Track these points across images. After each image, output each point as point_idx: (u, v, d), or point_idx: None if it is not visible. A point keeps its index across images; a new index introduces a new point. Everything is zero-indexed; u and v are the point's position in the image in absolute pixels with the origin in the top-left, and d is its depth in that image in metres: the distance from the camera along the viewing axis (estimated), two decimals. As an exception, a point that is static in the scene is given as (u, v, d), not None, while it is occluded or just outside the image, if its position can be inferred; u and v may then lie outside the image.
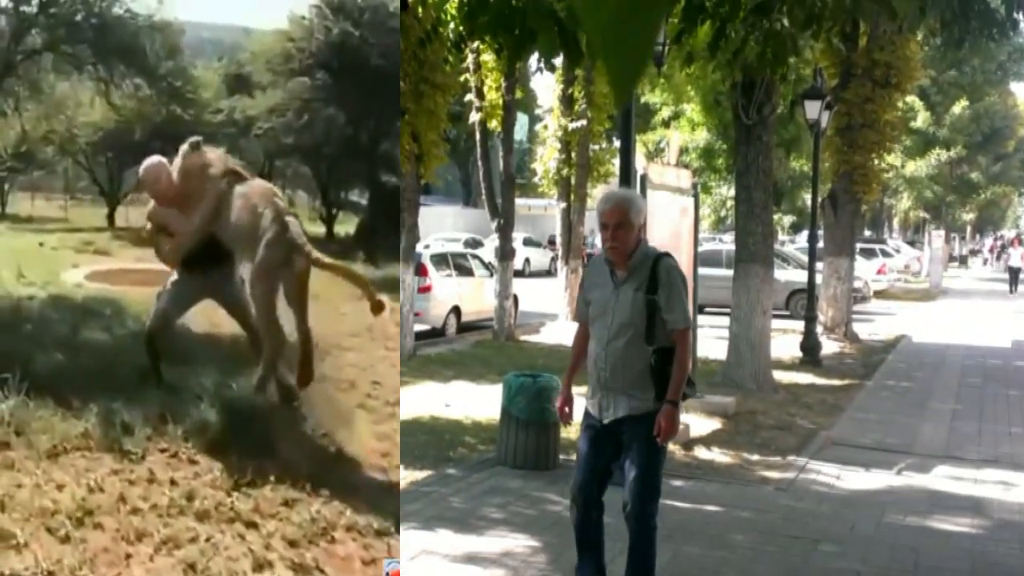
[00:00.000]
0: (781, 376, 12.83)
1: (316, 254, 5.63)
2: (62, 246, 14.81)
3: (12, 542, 4.10)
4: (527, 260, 36.99)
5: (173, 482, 4.75)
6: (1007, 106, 49.41)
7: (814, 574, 5.94)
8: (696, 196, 10.85)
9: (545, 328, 18.26)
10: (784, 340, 15.75)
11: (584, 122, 18.30)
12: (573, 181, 18.78)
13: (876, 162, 18.07)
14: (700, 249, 11.80)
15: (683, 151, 29.22)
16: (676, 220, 9.98)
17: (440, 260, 18.26)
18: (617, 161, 7.83)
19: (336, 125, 17.18)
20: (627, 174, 8.03)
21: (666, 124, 31.95)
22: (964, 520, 7.11)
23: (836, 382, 13.30)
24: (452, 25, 9.66)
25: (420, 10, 9.94)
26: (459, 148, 43.30)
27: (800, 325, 15.83)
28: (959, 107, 44.34)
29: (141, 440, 5.10)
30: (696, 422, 9.65)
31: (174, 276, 6.01)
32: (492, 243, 21.33)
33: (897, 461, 8.83)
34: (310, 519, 4.49)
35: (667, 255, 4.96)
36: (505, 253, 17.48)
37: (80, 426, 5.14)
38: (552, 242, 33.72)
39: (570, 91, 18.56)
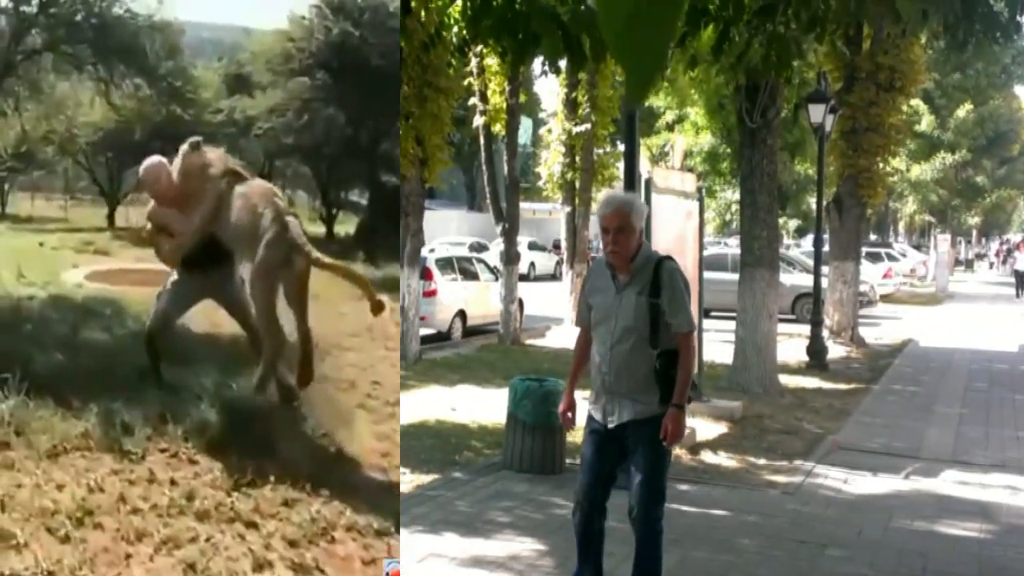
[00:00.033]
0: (787, 380, 12.80)
1: (316, 254, 5.62)
2: (62, 246, 14.83)
3: (12, 542, 4.09)
4: (532, 264, 36.99)
5: (173, 482, 4.74)
6: (1012, 109, 49.39)
7: (821, 578, 5.93)
8: (701, 200, 10.83)
9: (550, 332, 18.24)
10: (790, 344, 15.71)
11: (588, 126, 18.29)
12: (577, 185, 18.77)
13: (881, 166, 18.05)
14: (705, 253, 11.78)
15: (687, 155, 29.20)
16: (681, 224, 9.97)
17: (445, 264, 18.26)
18: (621, 165, 7.83)
19: (336, 125, 17.19)
20: (631, 178, 8.02)
21: (670, 128, 31.96)
22: (971, 524, 7.08)
23: (842, 386, 13.27)
24: (455, 29, 9.66)
25: (423, 14, 9.95)
26: (463, 152, 43.28)
27: (806, 329, 15.79)
28: (964, 110, 44.32)
29: (141, 440, 5.10)
30: (702, 426, 9.63)
31: (174, 276, 6.00)
32: (497, 247, 21.32)
33: (904, 465, 8.80)
34: (310, 519, 4.47)
35: (669, 258, 4.95)
36: (510, 257, 17.47)
37: (80, 426, 5.13)
38: (557, 246, 33.70)
39: (574, 95, 18.56)
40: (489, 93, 17.21)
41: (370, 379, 6.74)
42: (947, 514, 7.31)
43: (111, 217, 21.08)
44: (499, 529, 6.46)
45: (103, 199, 21.99)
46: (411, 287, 14.59)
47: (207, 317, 6.85)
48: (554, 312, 19.92)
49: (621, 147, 11.95)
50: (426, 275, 16.37)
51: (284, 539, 4.35)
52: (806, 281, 19.11)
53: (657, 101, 29.32)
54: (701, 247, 10.70)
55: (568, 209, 19.31)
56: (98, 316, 7.99)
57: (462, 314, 17.81)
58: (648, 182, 8.94)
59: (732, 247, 24.05)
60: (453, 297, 17.61)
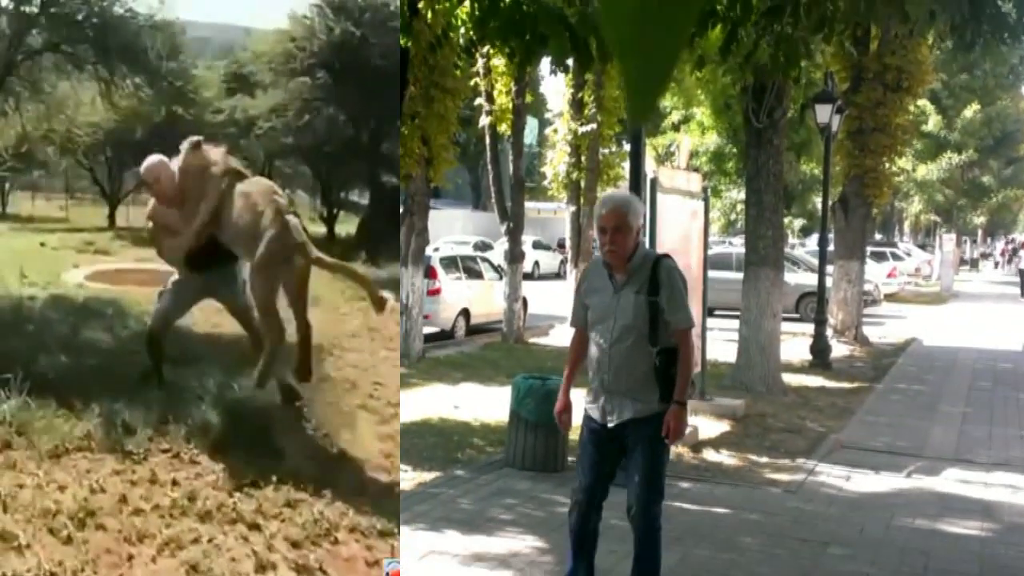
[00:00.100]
0: (791, 379, 12.81)
1: (317, 253, 5.63)
2: (63, 246, 14.86)
3: (14, 543, 4.11)
4: (536, 263, 37.00)
5: (175, 483, 4.75)
6: (1019, 110, 49.26)
7: (823, 577, 5.95)
8: (706, 200, 10.84)
9: (554, 331, 18.25)
10: (794, 343, 15.72)
11: (594, 126, 18.28)
12: (583, 185, 18.75)
13: (887, 166, 18.03)
14: (710, 252, 11.80)
15: (693, 155, 29.17)
16: (686, 223, 9.98)
17: (450, 263, 18.28)
18: (627, 165, 7.84)
19: (337, 125, 17.21)
20: (637, 178, 8.03)
21: (676, 128, 31.93)
22: (974, 523, 7.09)
23: (846, 385, 13.27)
24: (462, 30, 9.68)
25: (430, 15, 9.97)
26: (469, 152, 43.29)
27: (810, 328, 15.79)
28: (970, 111, 44.22)
29: (143, 441, 5.11)
30: (705, 424, 9.64)
31: (175, 276, 6.02)
32: (501, 246, 21.32)
33: (907, 464, 8.80)
34: (313, 520, 4.48)
35: (666, 256, 4.97)
36: (514, 256, 17.49)
37: (82, 427, 5.14)
38: (561, 245, 33.69)
39: (580, 95, 18.55)
40: (495, 93, 17.22)
41: (371, 380, 6.75)
42: (949, 513, 7.32)
43: (112, 217, 21.10)
44: (501, 527, 6.48)
45: (104, 199, 22.01)
46: (415, 285, 14.62)
47: (208, 317, 6.88)
48: (558, 311, 19.89)
49: (627, 147, 11.96)
50: (430, 274, 16.39)
51: (287, 540, 4.36)
52: (810, 280, 19.09)
53: (663, 101, 29.29)
54: (706, 246, 10.71)
55: (573, 208, 19.30)
56: (99, 316, 8.01)
57: (466, 313, 17.84)
58: (654, 182, 8.95)
59: (737, 246, 24.05)
60: (457, 296, 17.63)
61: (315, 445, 5.39)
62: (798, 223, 37.66)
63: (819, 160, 20.52)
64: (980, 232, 67.88)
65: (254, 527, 4.44)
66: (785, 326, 13.52)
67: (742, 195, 19.68)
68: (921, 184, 44.69)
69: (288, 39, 17.55)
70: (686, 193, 10.06)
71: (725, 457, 8.74)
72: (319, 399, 5.91)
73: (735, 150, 27.24)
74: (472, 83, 16.54)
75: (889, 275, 30.22)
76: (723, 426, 9.86)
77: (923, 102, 34.65)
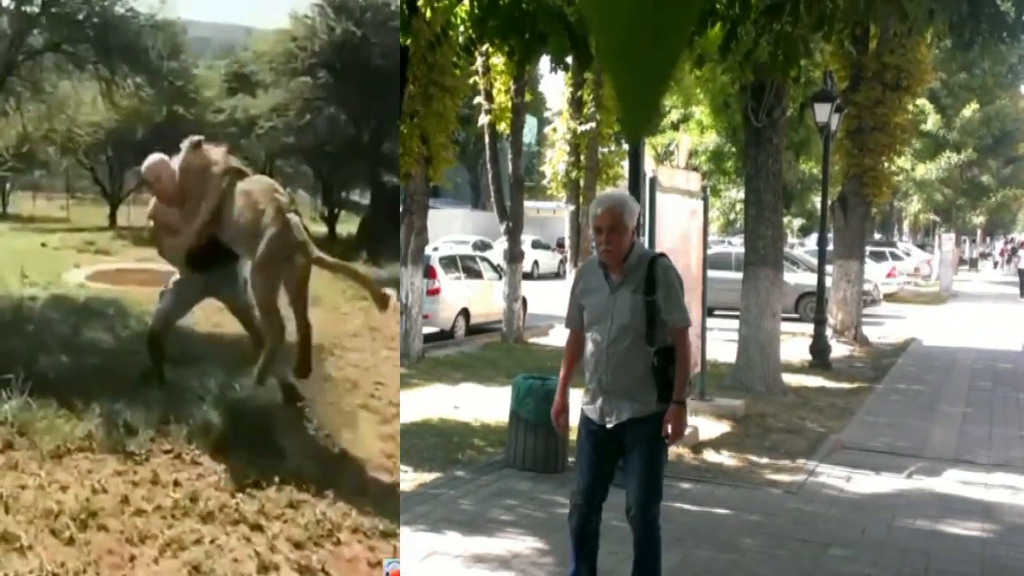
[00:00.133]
0: (790, 379, 12.80)
1: (318, 253, 5.61)
2: (64, 246, 14.84)
3: (16, 544, 4.10)
4: (536, 263, 36.99)
5: (177, 483, 4.75)
6: (1018, 109, 49.24)
7: (824, 578, 5.93)
8: (705, 199, 10.83)
9: (554, 330, 18.23)
10: (793, 343, 15.71)
11: (593, 125, 18.27)
12: (582, 184, 18.74)
13: (886, 165, 18.01)
14: (709, 252, 11.78)
15: (692, 154, 29.16)
16: (685, 223, 9.97)
17: (449, 263, 18.26)
18: (626, 164, 7.83)
19: (338, 125, 17.20)
20: (636, 176, 8.02)
21: (675, 127, 31.92)
22: (974, 524, 7.08)
23: (846, 385, 13.26)
24: (462, 28, 9.67)
25: (429, 13, 9.95)
26: (468, 151, 43.29)
27: (810, 328, 15.78)
28: (969, 110, 44.23)
29: (144, 441, 5.10)
30: (705, 425, 9.63)
31: (176, 276, 6.01)
32: (501, 245, 21.31)
33: (907, 465, 8.79)
34: (315, 521, 4.47)
35: (662, 255, 4.97)
36: (514, 255, 17.48)
37: (83, 427, 5.13)
38: (561, 245, 33.68)
39: (579, 94, 18.54)
40: (494, 92, 17.21)
41: (372, 379, 6.74)
42: (950, 513, 7.31)
43: (113, 217, 21.08)
44: (501, 527, 6.47)
45: (105, 199, 21.99)
46: (415, 285, 14.60)
47: (210, 317, 6.86)
48: (557, 311, 19.76)
49: (626, 146, 11.94)
50: (430, 273, 16.38)
51: (289, 541, 4.36)
52: (810, 280, 19.09)
53: (662, 100, 29.30)
54: (705, 246, 10.69)
55: (572, 208, 19.30)
56: (100, 316, 8.00)
57: (465, 312, 17.82)
58: (653, 181, 8.94)
59: (736, 246, 24.05)
60: (456, 295, 17.61)
61: (317, 445, 5.38)
62: (797, 222, 37.67)
63: (818, 159, 20.51)
64: (979, 232, 67.90)
65: (256, 528, 4.43)
66: (785, 326, 13.51)
67: (741, 194, 19.68)
68: (920, 183, 44.70)
69: (289, 39, 17.53)
70: (685, 192, 10.05)
71: (725, 458, 8.73)
72: (320, 399, 5.90)
73: (734, 149, 27.23)
74: (471, 82, 16.53)
75: (888, 275, 30.22)
76: (723, 426, 9.86)
77: (922, 101, 34.68)
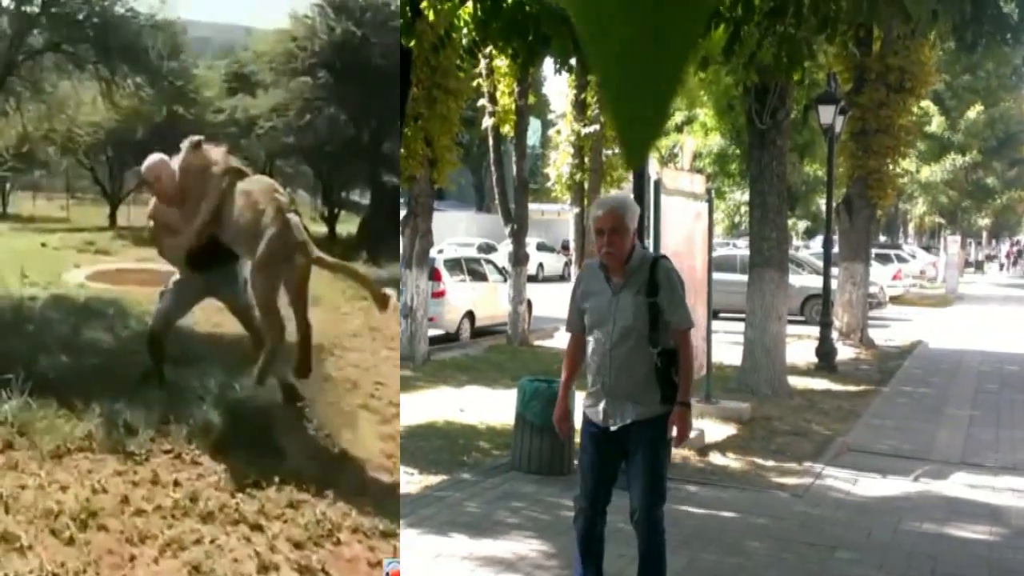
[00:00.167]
0: (796, 382, 12.77)
1: (318, 253, 5.60)
2: (64, 246, 14.83)
3: (16, 544, 4.09)
4: (540, 265, 36.95)
5: (177, 483, 4.73)
6: (1022, 111, 49.18)
7: (830, 581, 5.91)
8: (710, 201, 10.81)
9: (559, 333, 18.17)
10: (799, 346, 15.68)
11: (597, 127, 18.27)
12: (586, 186, 18.75)
13: (891, 167, 17.99)
14: (714, 254, 11.76)
15: (697, 156, 29.12)
16: (690, 225, 9.95)
17: (454, 265, 18.25)
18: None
19: (338, 125, 17.19)
20: (640, 179, 8.01)
21: (679, 129, 31.89)
22: (981, 527, 7.05)
23: (852, 388, 13.23)
24: (465, 31, 9.66)
25: (433, 16, 9.95)
26: (472, 153, 43.30)
27: (815, 331, 15.74)
28: (974, 112, 44.15)
29: (144, 441, 5.08)
30: (711, 428, 9.61)
31: (176, 276, 6.00)
32: (505, 248, 21.32)
33: (914, 468, 8.76)
34: (315, 521, 4.45)
35: (664, 257, 4.98)
36: (518, 258, 17.47)
37: (83, 427, 5.12)
38: (565, 247, 33.69)
39: (583, 96, 18.54)
40: (498, 94, 17.21)
41: (373, 380, 6.71)
42: (957, 517, 7.28)
43: (113, 217, 21.09)
44: (507, 530, 6.46)
45: (104, 199, 22.00)
46: (420, 288, 14.59)
47: (210, 317, 6.85)
48: (562, 313, 19.65)
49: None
50: (435, 276, 16.37)
51: (289, 541, 4.34)
52: (815, 282, 19.05)
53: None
54: (710, 248, 10.67)
55: (577, 210, 19.29)
56: (100, 316, 7.98)
57: (470, 315, 17.81)
58: (657, 183, 8.93)
59: (741, 248, 24.02)
60: (462, 298, 17.60)
61: (317, 445, 5.37)
62: (802, 225, 37.58)
63: (823, 161, 20.50)
64: (985, 234, 67.80)
65: (256, 528, 4.42)
66: (790, 329, 13.49)
67: (746, 197, 19.65)
68: (925, 186, 44.62)
69: (289, 39, 17.53)
70: (690, 195, 10.03)
71: (731, 460, 8.71)
72: (320, 399, 5.89)
73: (738, 151, 27.19)
74: (475, 84, 16.53)
75: (894, 277, 30.17)
76: (729, 429, 9.83)
77: (926, 103, 34.58)
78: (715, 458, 8.74)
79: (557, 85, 48.71)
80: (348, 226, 18.91)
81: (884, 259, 31.61)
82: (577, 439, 7.76)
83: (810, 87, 16.90)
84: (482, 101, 17.42)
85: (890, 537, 6.70)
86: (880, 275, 26.19)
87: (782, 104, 12.11)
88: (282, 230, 5.43)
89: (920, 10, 7.44)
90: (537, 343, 17.27)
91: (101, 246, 15.07)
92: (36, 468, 4.75)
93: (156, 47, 16.82)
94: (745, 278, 12.77)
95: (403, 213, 14.82)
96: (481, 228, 44.31)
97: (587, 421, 4.89)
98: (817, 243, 35.67)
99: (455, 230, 40.61)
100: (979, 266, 59.01)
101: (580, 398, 4.98)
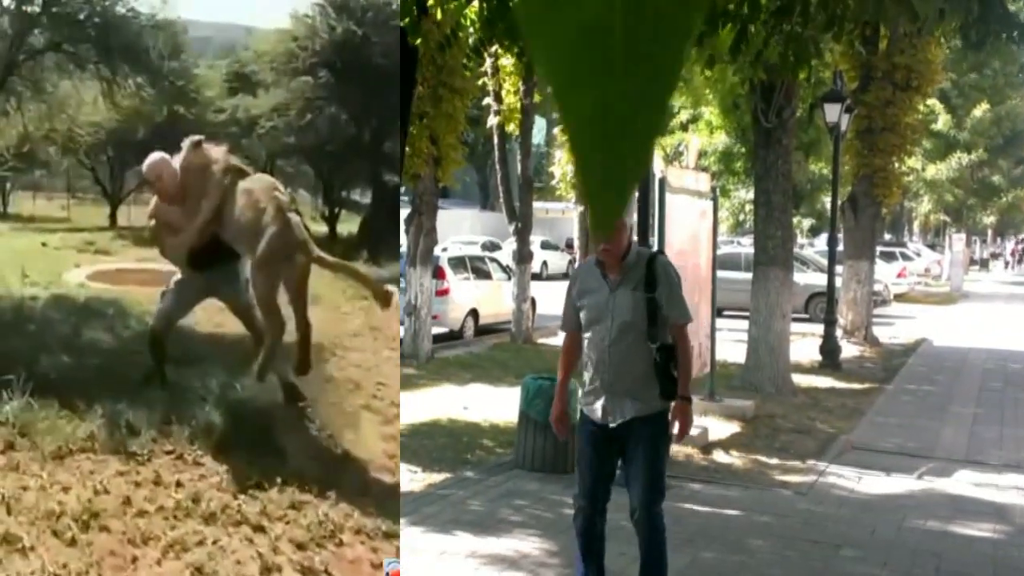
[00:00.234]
0: (800, 380, 12.76)
1: (318, 252, 5.60)
2: (64, 246, 14.82)
3: (18, 545, 4.08)
4: (545, 263, 36.95)
5: (179, 484, 4.72)
6: (1029, 109, 49.04)
7: (834, 579, 5.91)
8: (715, 199, 10.81)
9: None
10: (803, 344, 15.67)
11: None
12: (591, 184, 18.74)
13: (896, 165, 17.96)
14: (719, 252, 11.76)
15: (702, 154, 29.07)
16: (695, 223, 9.94)
17: (458, 263, 18.25)
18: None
19: (339, 124, 17.17)
20: (645, 177, 8.00)
21: (684, 127, 31.84)
22: (986, 525, 7.05)
23: (856, 386, 13.22)
24: (471, 30, 9.67)
25: (439, 15, 9.95)
26: (477, 152, 43.26)
27: (819, 328, 15.73)
28: (980, 110, 44.04)
29: (146, 442, 5.07)
30: (715, 425, 9.61)
31: (178, 276, 5.99)
32: (510, 246, 21.32)
33: (918, 465, 8.76)
34: (318, 522, 4.45)
35: (660, 253, 4.99)
36: (523, 256, 17.47)
37: (85, 428, 5.11)
38: (570, 245, 33.69)
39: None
40: (503, 93, 17.21)
41: (375, 380, 6.70)
42: (961, 514, 7.28)
43: (113, 217, 21.08)
44: (511, 528, 6.47)
45: (105, 199, 21.99)
46: (424, 286, 14.60)
47: (211, 317, 6.85)
48: (567, 311, 19.78)
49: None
50: (439, 274, 16.37)
51: (292, 542, 4.33)
52: (820, 280, 19.04)
53: (672, 100, 29.22)
54: (715, 246, 10.67)
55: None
56: (101, 316, 7.97)
57: (474, 313, 17.81)
58: (662, 182, 8.92)
59: (746, 246, 24.00)
60: (465, 296, 17.60)
61: (319, 446, 5.36)
62: (807, 223, 37.54)
63: (828, 160, 20.47)
64: (990, 232, 67.66)
65: (259, 529, 4.41)
66: (794, 326, 13.47)
67: (751, 195, 19.62)
68: (931, 184, 44.54)
69: (290, 38, 17.52)
70: (695, 193, 10.03)
71: (735, 458, 8.71)
72: (322, 399, 5.88)
73: (744, 150, 27.16)
74: (480, 83, 16.52)
75: (899, 275, 30.13)
76: (733, 427, 9.83)
77: (932, 101, 34.52)
78: (719, 456, 8.74)
79: (562, 83, 48.54)
80: (349, 225, 18.91)
81: (889, 257, 31.56)
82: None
83: (816, 85, 16.90)
84: (487, 100, 17.42)
85: (894, 535, 6.70)
86: (885, 273, 26.16)
87: (788, 102, 12.10)
88: (283, 229, 5.43)
89: (927, 8, 7.43)
90: (541, 341, 17.27)
91: (101, 246, 15.06)
92: (38, 469, 4.75)
93: (157, 47, 16.82)
94: (749, 276, 12.77)
95: (407, 211, 14.82)
96: (485, 226, 44.27)
97: (584, 419, 4.88)
98: (822, 241, 35.60)
99: (459, 228, 40.60)
100: (984, 264, 58.91)
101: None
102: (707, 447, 8.89)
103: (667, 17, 0.55)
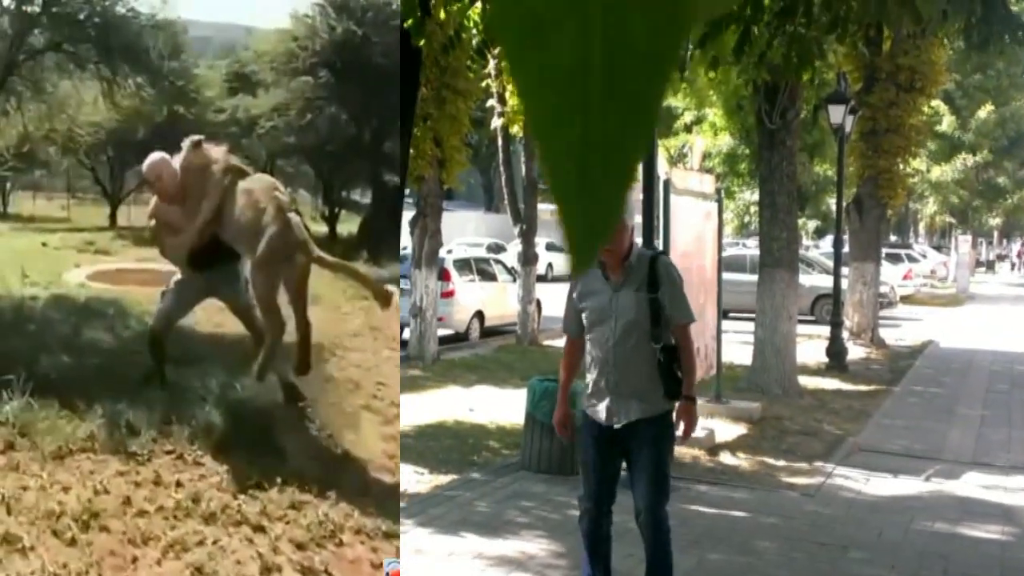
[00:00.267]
0: (807, 382, 12.74)
1: (318, 252, 5.58)
2: (64, 246, 14.79)
3: (18, 545, 4.06)
4: (550, 265, 36.93)
5: (179, 484, 4.70)
6: (1033, 110, 48.93)
7: (841, 581, 5.89)
8: (719, 201, 10.80)
9: (568, 333, 18.21)
10: (810, 345, 15.64)
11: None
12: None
13: (901, 167, 17.93)
14: (724, 254, 11.74)
15: (706, 156, 29.08)
16: (700, 225, 9.93)
17: (463, 265, 18.26)
18: (640, 166, 7.79)
19: (339, 124, 17.15)
20: (650, 179, 7.99)
21: (688, 129, 31.80)
22: (993, 527, 7.02)
23: (862, 388, 13.19)
24: (475, 31, 9.67)
25: (443, 16, 9.96)
26: (481, 153, 43.25)
27: (826, 330, 15.70)
28: (985, 111, 43.96)
29: (147, 442, 5.05)
30: (721, 427, 9.59)
31: (178, 275, 5.98)
32: (515, 248, 21.29)
33: (925, 467, 8.73)
34: (318, 522, 4.42)
35: (662, 254, 4.99)
36: (528, 258, 17.47)
37: (85, 428, 5.09)
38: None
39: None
40: (507, 95, 17.20)
41: (375, 380, 6.67)
42: (968, 516, 7.25)
43: (113, 217, 21.06)
44: (517, 529, 6.46)
45: (105, 199, 21.96)
46: (429, 288, 14.60)
47: (211, 317, 6.83)
48: (572, 313, 19.75)
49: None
50: (444, 276, 16.38)
51: (292, 542, 4.31)
52: (826, 282, 19.00)
53: (675, 102, 29.22)
54: (720, 248, 10.66)
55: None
56: (101, 316, 7.92)
57: (480, 315, 17.81)
58: (667, 183, 8.91)
59: (751, 248, 23.98)
60: (471, 298, 17.60)
61: (319, 446, 5.33)
62: (812, 224, 37.47)
63: (833, 161, 20.42)
64: (996, 234, 67.55)
65: (259, 529, 4.38)
66: (800, 328, 13.45)
67: (756, 197, 19.60)
68: (936, 185, 44.47)
69: (290, 38, 17.50)
70: (699, 195, 10.02)
71: (741, 460, 8.69)
72: (322, 399, 5.86)
73: (748, 151, 27.12)
74: (484, 84, 16.53)
75: (905, 277, 30.10)
76: (739, 429, 9.81)
77: (937, 103, 34.46)
78: (725, 458, 8.72)
79: (566, 85, 48.53)
80: (349, 226, 18.88)
81: (895, 259, 31.52)
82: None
83: (820, 87, 16.85)
84: (491, 101, 17.41)
85: (901, 537, 6.67)
86: (891, 275, 26.12)
87: (792, 104, 12.09)
88: (283, 229, 5.41)
89: (930, 9, 7.41)
90: (546, 343, 17.26)
91: (101, 246, 15.04)
92: (38, 469, 4.72)
93: (157, 47, 16.81)
94: (755, 278, 12.75)
95: (412, 213, 14.82)
96: (490, 228, 44.27)
97: (588, 421, 4.86)
98: (827, 243, 35.53)
99: (464, 230, 40.60)
100: (990, 266, 58.82)
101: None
102: (714, 449, 8.87)
103: (645, 56, 0.55)
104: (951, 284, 37.27)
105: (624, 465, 4.88)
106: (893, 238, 43.61)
